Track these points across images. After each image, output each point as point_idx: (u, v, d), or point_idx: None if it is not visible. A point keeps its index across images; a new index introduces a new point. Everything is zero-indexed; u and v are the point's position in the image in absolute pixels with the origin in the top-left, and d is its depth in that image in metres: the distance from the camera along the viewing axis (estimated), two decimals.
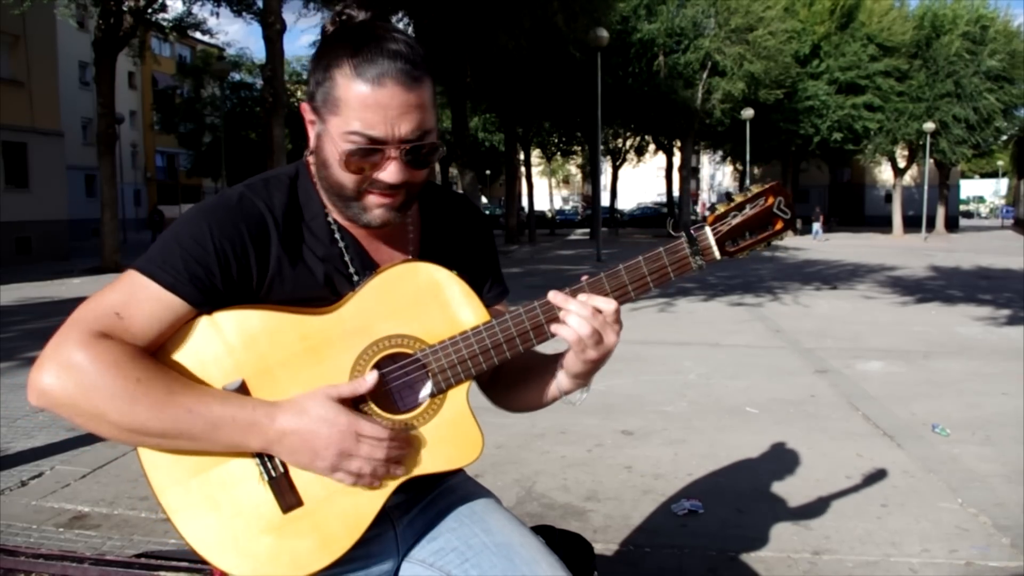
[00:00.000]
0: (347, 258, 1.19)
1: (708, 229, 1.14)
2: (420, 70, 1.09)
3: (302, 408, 1.06)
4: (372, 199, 1.12)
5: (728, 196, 1.17)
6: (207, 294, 1.08)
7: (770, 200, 1.14)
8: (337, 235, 1.19)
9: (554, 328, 1.12)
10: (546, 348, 1.18)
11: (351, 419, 1.06)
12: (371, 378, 1.09)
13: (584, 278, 1.14)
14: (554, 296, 1.12)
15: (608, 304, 1.11)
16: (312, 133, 1.15)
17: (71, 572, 2.51)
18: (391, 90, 1.05)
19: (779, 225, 1.15)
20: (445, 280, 1.15)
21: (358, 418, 1.07)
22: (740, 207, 1.14)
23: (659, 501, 3.48)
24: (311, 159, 1.20)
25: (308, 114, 1.15)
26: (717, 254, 1.14)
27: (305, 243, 1.17)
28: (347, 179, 1.11)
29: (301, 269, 1.15)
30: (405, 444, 1.12)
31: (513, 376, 1.31)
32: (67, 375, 1.01)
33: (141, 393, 1.01)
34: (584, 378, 1.20)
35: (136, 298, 1.06)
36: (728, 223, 1.14)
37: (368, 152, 1.08)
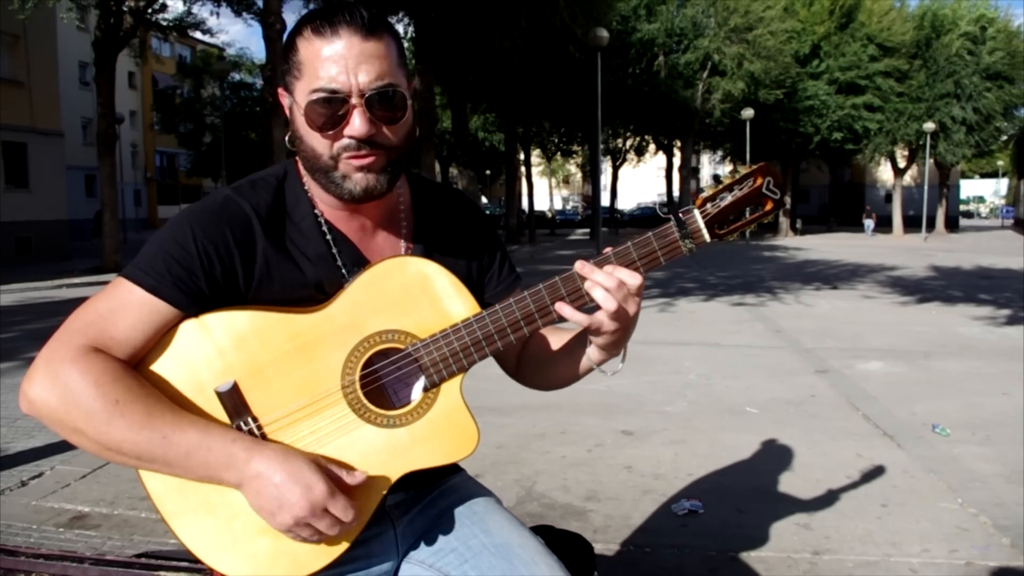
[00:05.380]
0: (337, 255, 1.18)
1: (697, 212, 1.12)
2: (379, 26, 1.09)
3: (285, 459, 1.03)
4: (348, 163, 1.11)
5: (716, 178, 1.16)
6: (192, 297, 1.08)
7: (759, 180, 1.13)
8: (327, 233, 1.19)
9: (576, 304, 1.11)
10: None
11: (327, 493, 1.02)
12: (359, 476, 1.07)
13: (579, 264, 1.13)
14: (581, 267, 1.11)
15: (633, 278, 1.11)
16: (288, 114, 1.16)
17: (71, 572, 2.51)
18: (347, 40, 1.07)
19: (769, 205, 1.14)
20: (434, 273, 1.15)
21: (335, 495, 1.03)
22: (729, 188, 1.13)
23: (659, 501, 3.48)
24: (299, 157, 1.20)
25: (282, 98, 1.16)
26: (707, 236, 1.12)
27: (294, 243, 1.17)
28: (318, 143, 1.10)
29: (290, 269, 1.15)
30: (390, 442, 1.11)
31: (542, 354, 1.31)
32: (52, 390, 1.02)
33: (118, 415, 1.01)
34: (611, 349, 1.18)
35: (122, 303, 1.07)
36: (717, 205, 1.12)
37: (330, 103, 1.07)
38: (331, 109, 1.08)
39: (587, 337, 1.19)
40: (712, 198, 1.13)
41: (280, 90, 1.17)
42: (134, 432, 1.01)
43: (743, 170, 1.14)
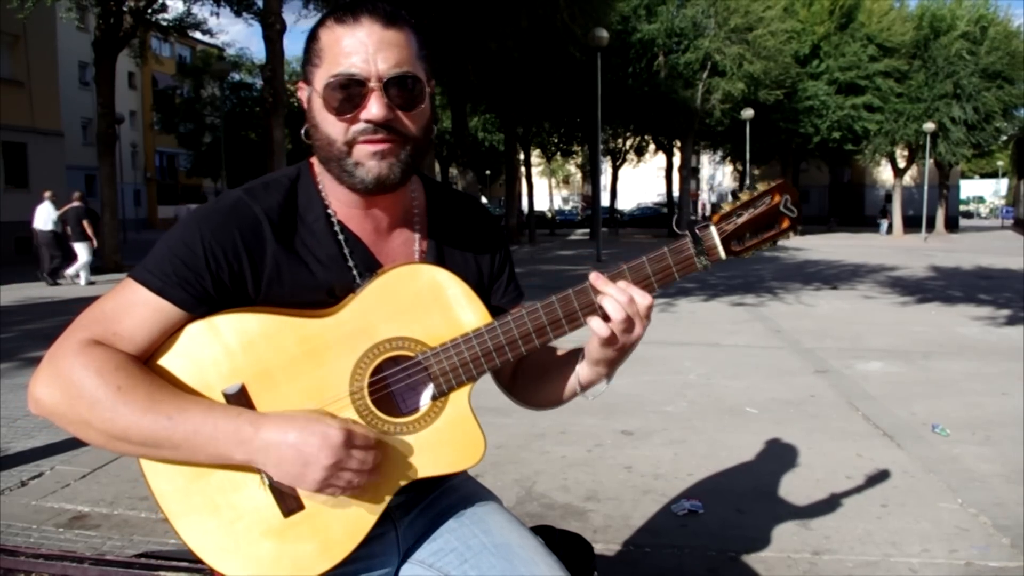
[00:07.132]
0: (350, 259, 1.18)
1: (713, 228, 1.12)
2: (400, 18, 1.11)
3: (292, 418, 1.04)
4: (362, 149, 1.10)
5: (733, 194, 1.15)
6: (198, 298, 1.08)
7: (776, 198, 1.12)
8: (340, 235, 1.18)
9: (586, 317, 1.11)
10: (567, 341, 1.17)
11: (343, 429, 1.03)
12: (371, 434, 1.08)
13: (593, 276, 1.13)
14: (595, 279, 1.11)
15: (644, 297, 1.11)
16: (307, 106, 1.16)
17: (71, 572, 2.51)
18: (368, 27, 1.08)
19: (785, 223, 1.13)
20: (446, 282, 1.14)
21: (351, 427, 1.05)
22: (746, 206, 1.12)
23: (659, 501, 3.48)
24: (314, 159, 1.20)
25: (301, 91, 1.17)
26: (723, 254, 1.12)
27: (305, 245, 1.16)
28: (333, 127, 1.10)
29: (300, 272, 1.15)
30: (396, 449, 1.11)
31: (534, 371, 1.31)
32: (55, 384, 1.03)
33: (122, 401, 1.01)
34: (606, 367, 1.18)
35: (128, 303, 1.07)
36: (734, 222, 1.12)
37: (348, 87, 1.08)
38: (349, 92, 1.08)
39: (579, 357, 1.20)
40: (729, 215, 1.12)
41: (300, 84, 1.17)
42: (139, 416, 1.01)
43: (761, 187, 1.13)
